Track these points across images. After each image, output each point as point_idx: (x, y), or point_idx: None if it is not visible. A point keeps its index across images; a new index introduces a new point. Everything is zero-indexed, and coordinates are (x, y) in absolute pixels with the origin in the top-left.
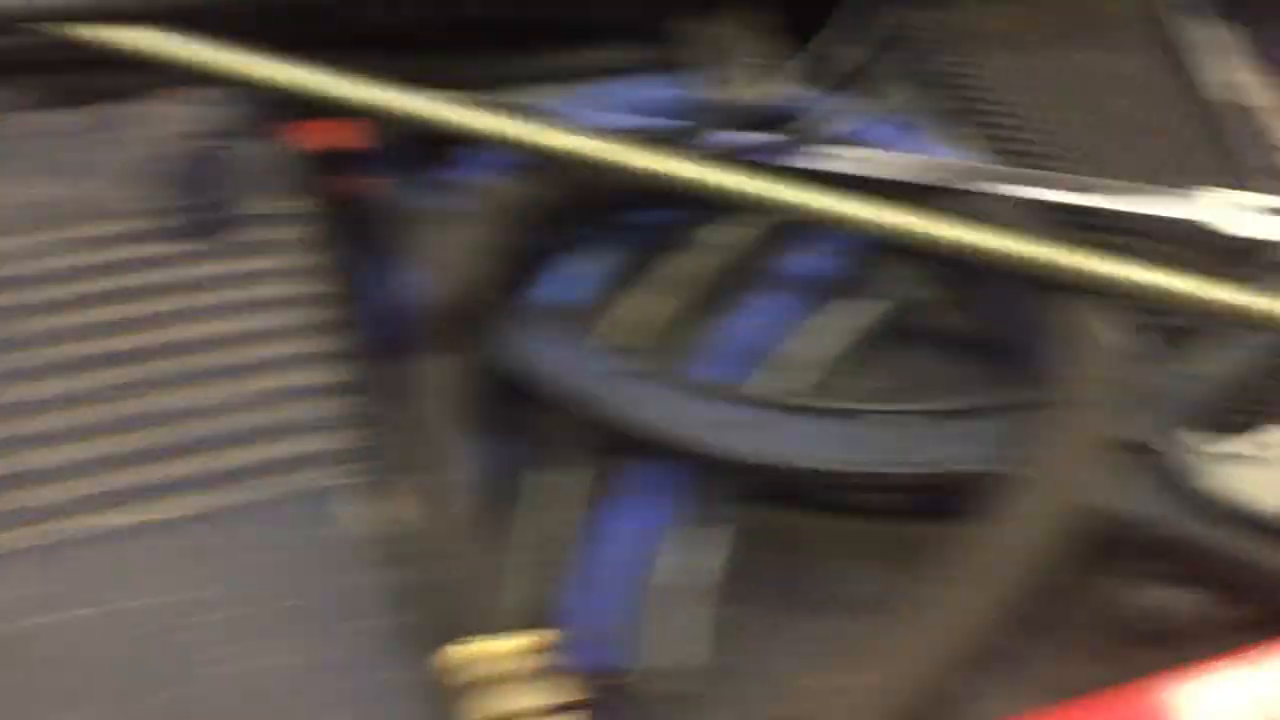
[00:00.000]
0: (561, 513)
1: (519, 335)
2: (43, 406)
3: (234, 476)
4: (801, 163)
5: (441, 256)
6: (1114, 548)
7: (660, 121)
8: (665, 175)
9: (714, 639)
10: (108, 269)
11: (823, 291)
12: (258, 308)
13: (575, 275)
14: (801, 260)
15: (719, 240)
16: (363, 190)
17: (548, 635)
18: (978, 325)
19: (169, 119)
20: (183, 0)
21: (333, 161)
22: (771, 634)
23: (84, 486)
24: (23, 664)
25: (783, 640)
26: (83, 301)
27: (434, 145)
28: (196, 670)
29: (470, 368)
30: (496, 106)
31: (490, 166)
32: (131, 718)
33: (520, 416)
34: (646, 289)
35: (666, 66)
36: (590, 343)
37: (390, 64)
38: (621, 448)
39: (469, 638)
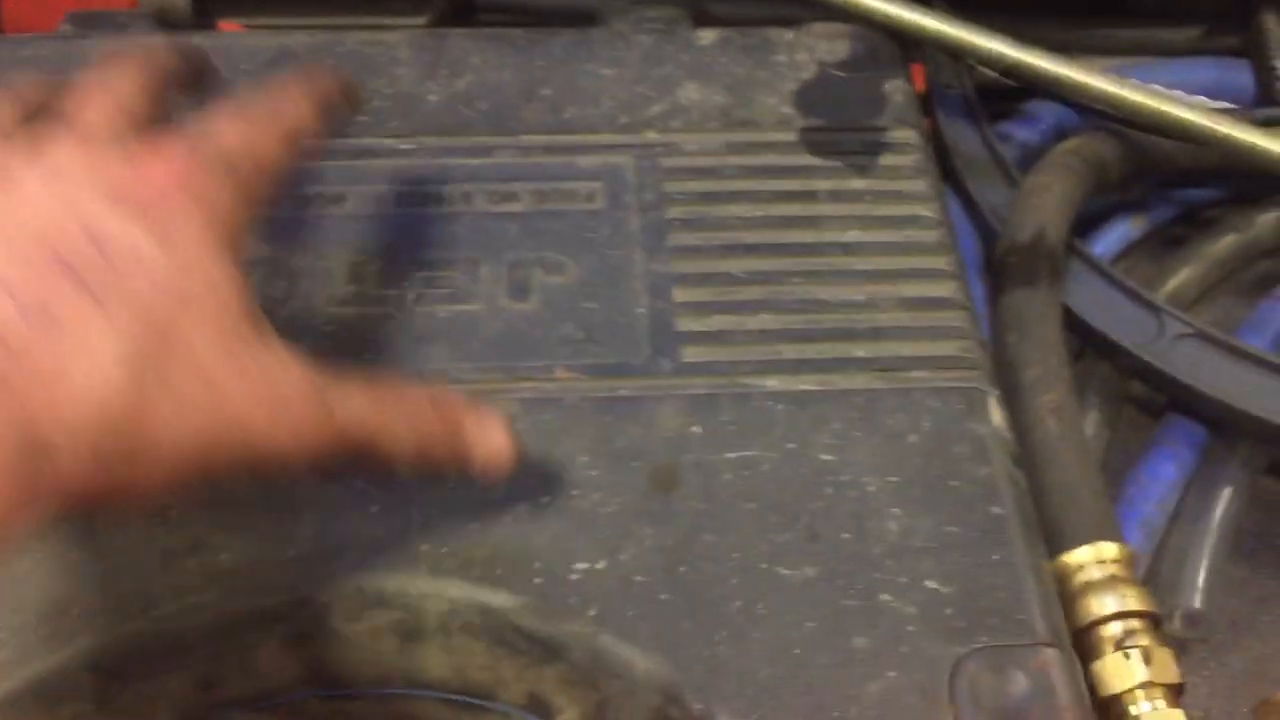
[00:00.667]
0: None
1: (1076, 282)
2: (727, 280)
3: (883, 365)
4: None
5: (1034, 200)
6: None
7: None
8: (1218, 133)
9: (1221, 591)
10: (764, 171)
11: None
12: (891, 223)
13: (1114, 236)
14: None
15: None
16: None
17: (1129, 548)
18: None
19: (813, 47)
20: None
21: (925, 101)
22: (1272, 597)
23: (759, 350)
24: (720, 491)
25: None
26: (749, 196)
27: (1004, 98)
28: (842, 512)
29: (1057, 304)
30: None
31: (1039, 126)
32: (787, 545)
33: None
34: (1184, 260)
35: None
36: (1138, 296)
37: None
38: (1159, 401)
39: (1081, 542)
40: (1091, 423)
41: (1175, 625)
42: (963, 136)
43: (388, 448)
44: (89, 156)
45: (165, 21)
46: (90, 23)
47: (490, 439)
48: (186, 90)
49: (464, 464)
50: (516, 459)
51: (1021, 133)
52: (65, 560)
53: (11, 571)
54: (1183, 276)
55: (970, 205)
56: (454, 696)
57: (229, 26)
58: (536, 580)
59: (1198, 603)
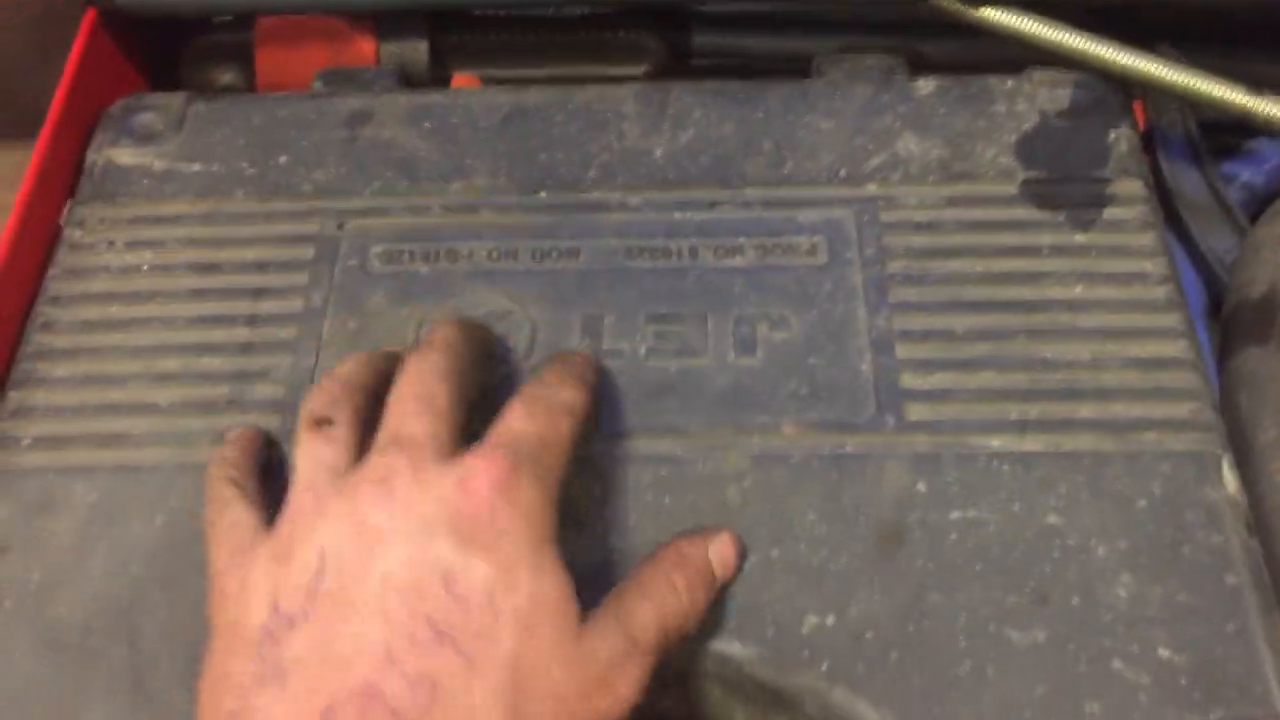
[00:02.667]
0: None
1: None
2: (949, 336)
3: (1111, 427)
4: None
5: (1264, 254)
6: None
7: None
8: None
9: None
10: (986, 225)
11: None
12: (1116, 280)
13: None
14: None
15: None
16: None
17: None
18: None
19: (1034, 96)
20: None
21: (1146, 141)
22: None
23: (983, 409)
24: (947, 551)
25: None
26: (971, 251)
27: (1227, 136)
28: (1071, 577)
29: None
30: None
31: (1266, 166)
32: (1016, 608)
33: None
34: None
35: None
36: None
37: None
38: None
39: None
40: None
41: None
42: (1186, 179)
43: (676, 621)
44: (425, 485)
45: (406, 77)
46: (341, 79)
47: (725, 556)
48: (482, 376)
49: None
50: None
51: (1247, 172)
52: None
53: None
54: None
55: (1195, 252)
56: None
57: (462, 79)
58: (769, 633)
59: None
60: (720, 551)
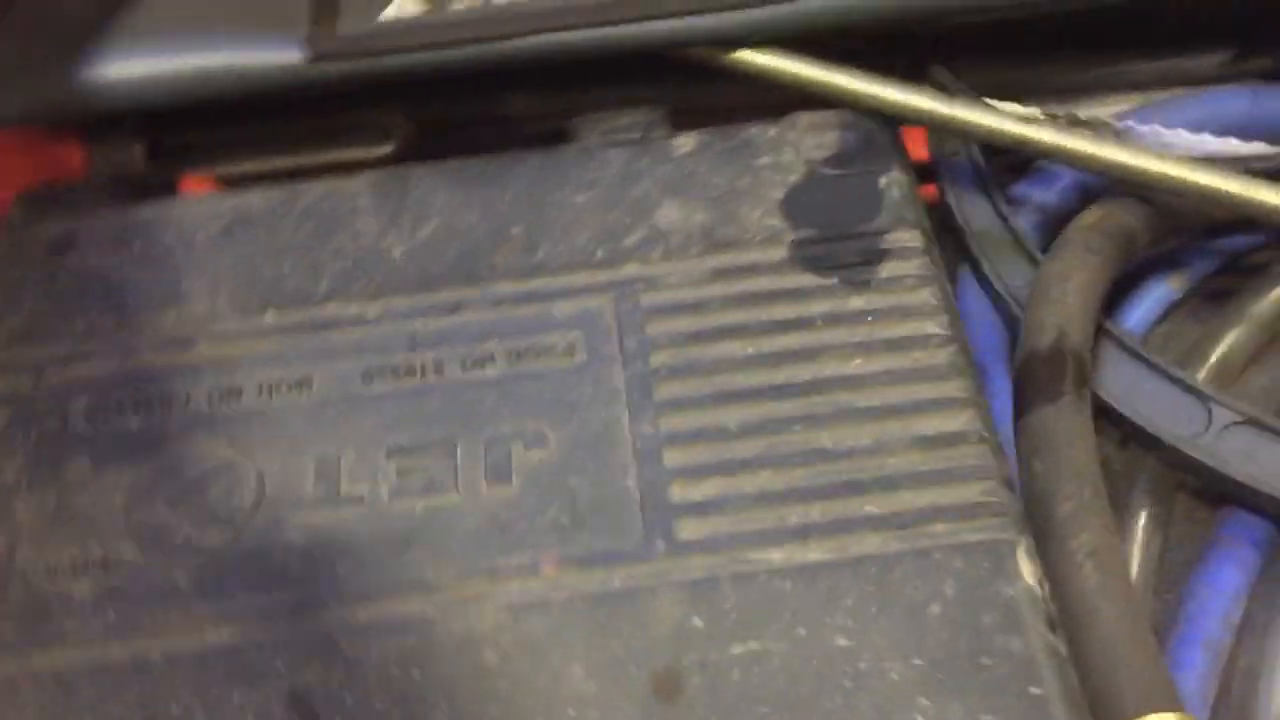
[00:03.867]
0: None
1: (1112, 370)
2: (720, 434)
3: (897, 522)
4: None
5: (1052, 294)
6: None
7: (1242, 142)
8: (1251, 201)
9: None
10: (754, 298)
11: None
12: (896, 346)
13: (1149, 302)
14: None
15: None
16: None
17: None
18: None
19: (799, 143)
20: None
21: (930, 172)
22: None
23: (761, 516)
24: (728, 694)
25: None
26: (739, 331)
27: (1002, 157)
28: (864, 708)
29: (1086, 415)
30: (1079, 124)
31: (1058, 185)
32: None
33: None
34: (1230, 321)
35: (1253, 76)
36: (1181, 383)
37: (971, 71)
38: (1215, 496)
39: (1134, 715)
40: (1141, 526)
41: None
42: (974, 210)
43: None
44: None
45: (121, 185)
46: (41, 201)
47: None
48: None
49: None
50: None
51: (1038, 193)
52: None
53: None
54: (1230, 340)
55: (989, 289)
56: None
57: (193, 183)
58: None
59: None
60: None
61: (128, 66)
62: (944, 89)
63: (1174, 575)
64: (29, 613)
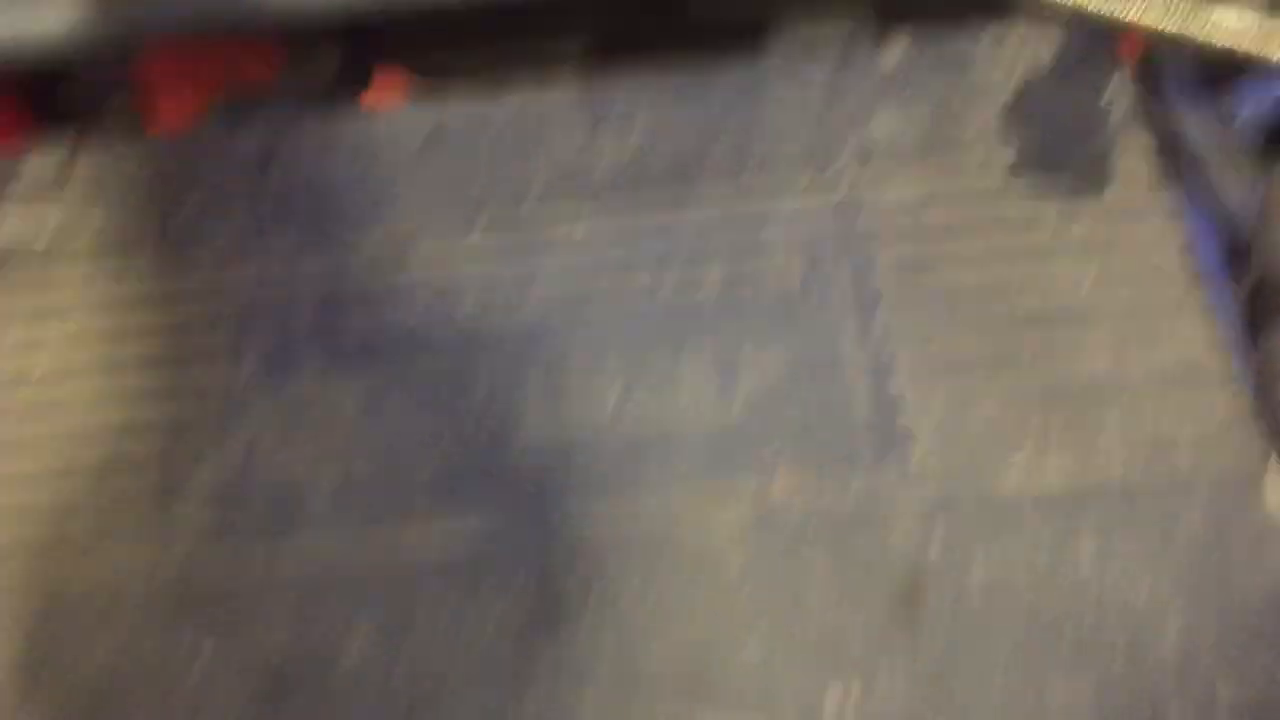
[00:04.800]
0: None
1: None
2: (960, 361)
3: (1140, 451)
4: None
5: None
6: None
7: None
8: None
9: None
10: (975, 224)
11: None
12: (1125, 278)
13: None
14: None
15: None
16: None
17: None
18: None
19: (1014, 59)
20: None
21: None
22: None
23: (996, 443)
24: (970, 609)
25: None
26: (957, 260)
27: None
28: (1111, 624)
29: None
30: None
31: (1275, 95)
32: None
33: None
34: None
35: None
36: None
37: None
38: None
39: None
40: None
41: None
42: (1191, 119)
43: None
44: None
45: (314, 94)
46: (235, 116)
47: None
48: None
49: None
50: None
51: (1254, 104)
52: None
53: None
54: None
55: (1210, 199)
56: None
57: (384, 77)
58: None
59: None
60: None
61: None
62: None
63: None
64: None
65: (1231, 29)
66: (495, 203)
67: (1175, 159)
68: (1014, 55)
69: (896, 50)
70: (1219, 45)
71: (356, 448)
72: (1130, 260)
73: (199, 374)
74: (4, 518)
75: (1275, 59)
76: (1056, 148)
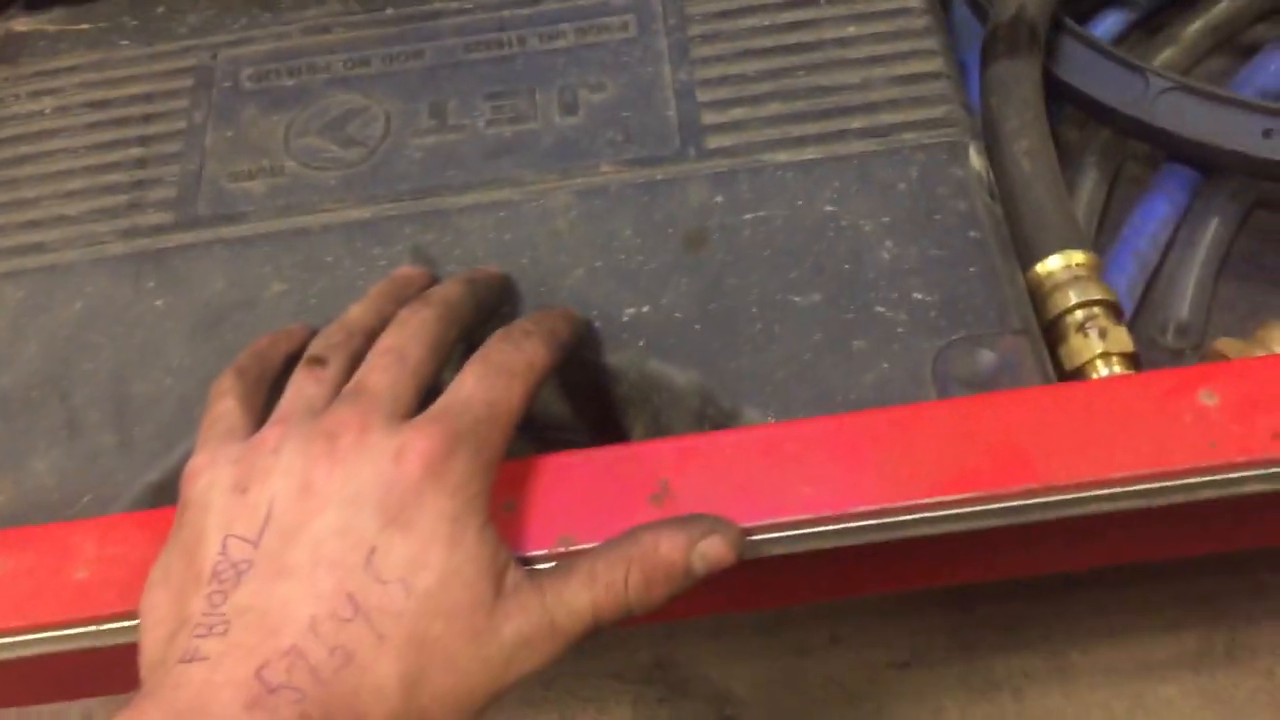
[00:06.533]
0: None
1: (1069, 55)
2: (742, 80)
3: (876, 133)
4: None
5: None
6: None
7: None
8: None
9: (1215, 309)
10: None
11: None
12: (883, 16)
13: (1107, 24)
14: None
15: None
16: None
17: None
18: None
19: None
20: None
21: None
22: (1261, 310)
23: (771, 132)
24: (741, 244)
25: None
26: (760, 10)
27: None
28: (842, 249)
29: (1037, 69)
30: None
31: None
32: (797, 279)
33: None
34: (1181, 34)
35: None
36: (1125, 61)
37: None
38: (1154, 154)
39: (1051, 252)
40: (1090, 180)
41: (1168, 338)
42: None
43: (615, 616)
44: (365, 450)
45: None
46: None
47: (711, 554)
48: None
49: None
50: (738, 554)
51: None
52: None
53: None
54: (1171, 51)
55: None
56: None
57: None
58: (597, 324)
59: (1186, 313)
60: (706, 550)
61: None
62: None
63: (1117, 221)
64: (218, 202)
65: None
66: None
67: None
68: None
69: None
70: None
71: (284, 160)
72: (886, 6)
73: (159, 127)
74: None
75: None
76: None
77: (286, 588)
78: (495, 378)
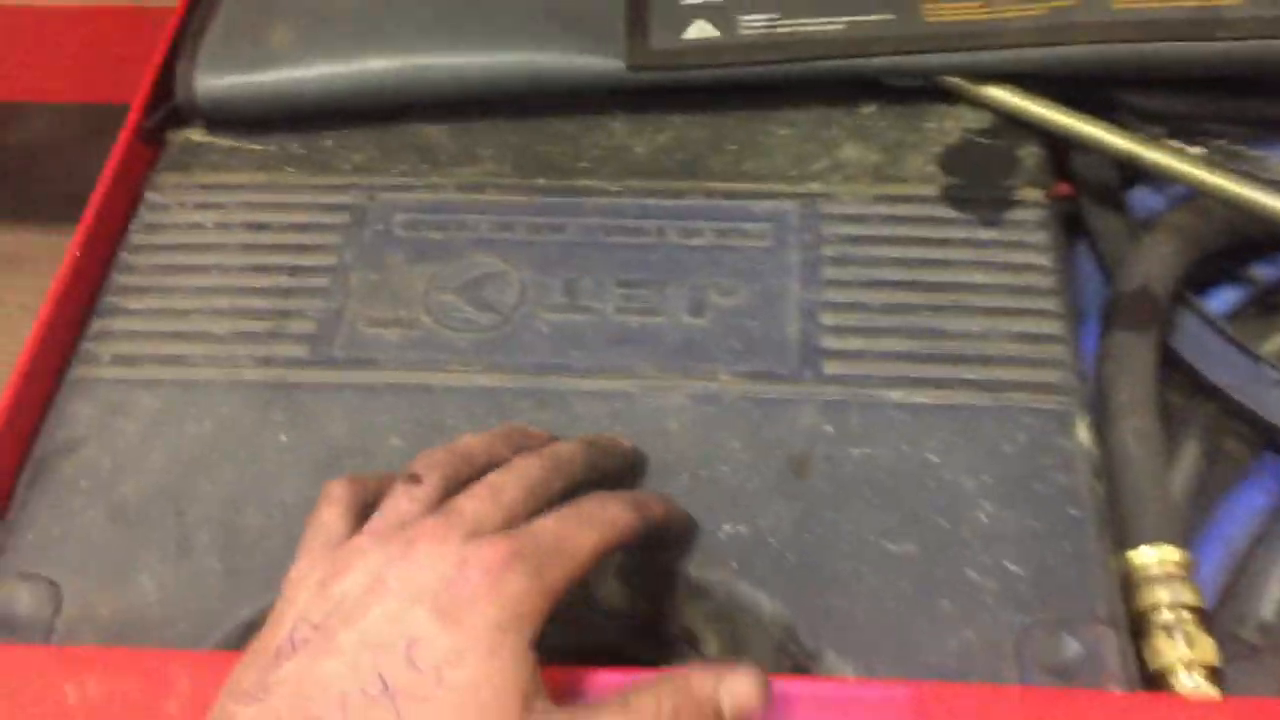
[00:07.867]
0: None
1: (1186, 329)
2: (866, 309)
3: (989, 386)
4: None
5: (1144, 253)
6: None
7: None
8: None
9: None
10: (906, 220)
11: None
12: (1010, 268)
13: (1220, 300)
14: None
15: None
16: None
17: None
18: None
19: (961, 116)
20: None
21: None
22: None
23: (886, 367)
24: (843, 478)
25: None
26: (892, 241)
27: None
28: (941, 503)
29: (1155, 344)
30: (1186, 152)
31: (1180, 193)
32: (892, 525)
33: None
34: None
35: None
36: (1240, 345)
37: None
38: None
39: (1147, 542)
40: (1189, 454)
41: (1249, 632)
42: (1099, 200)
43: None
44: (437, 556)
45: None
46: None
47: (740, 693)
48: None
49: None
50: (768, 699)
51: (1152, 200)
52: None
53: None
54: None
55: (1101, 260)
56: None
57: None
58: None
59: (1270, 614)
60: (734, 689)
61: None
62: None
63: (1214, 499)
64: (353, 345)
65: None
66: (556, 163)
67: (1081, 221)
68: (960, 115)
69: (874, 103)
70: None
71: (421, 314)
72: (1015, 259)
73: (309, 259)
74: None
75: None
76: (980, 180)
77: (330, 664)
78: (574, 521)
